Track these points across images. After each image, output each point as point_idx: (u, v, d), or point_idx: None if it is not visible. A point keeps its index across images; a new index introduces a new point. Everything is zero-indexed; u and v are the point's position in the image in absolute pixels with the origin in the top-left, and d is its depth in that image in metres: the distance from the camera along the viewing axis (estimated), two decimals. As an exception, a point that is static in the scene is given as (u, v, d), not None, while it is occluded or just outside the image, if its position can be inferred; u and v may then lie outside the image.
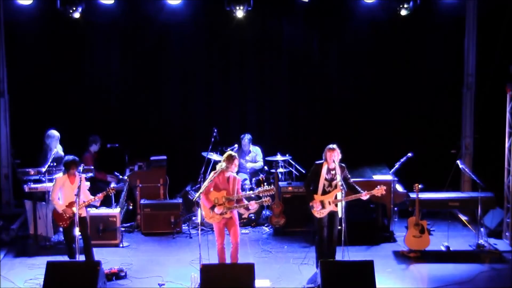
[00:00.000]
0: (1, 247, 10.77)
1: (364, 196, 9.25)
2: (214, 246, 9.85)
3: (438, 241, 10.87)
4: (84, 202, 9.41)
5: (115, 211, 11.16)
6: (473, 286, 9.34)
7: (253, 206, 9.12)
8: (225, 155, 9.17)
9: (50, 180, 10.65)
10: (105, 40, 12.83)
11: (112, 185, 10.44)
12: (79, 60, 12.81)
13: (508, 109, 11.07)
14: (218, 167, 9.15)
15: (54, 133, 11.42)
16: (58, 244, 10.86)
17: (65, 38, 12.61)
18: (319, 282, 8.59)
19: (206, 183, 9.10)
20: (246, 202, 9.15)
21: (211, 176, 9.13)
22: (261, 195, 9.22)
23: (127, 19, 12.67)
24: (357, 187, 9.42)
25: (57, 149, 11.25)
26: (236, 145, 12.36)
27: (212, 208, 9.08)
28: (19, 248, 10.83)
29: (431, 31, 12.79)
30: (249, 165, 12.37)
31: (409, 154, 11.26)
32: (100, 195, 9.54)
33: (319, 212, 9.31)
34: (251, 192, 9.61)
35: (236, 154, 9.24)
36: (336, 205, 9.29)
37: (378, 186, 9.26)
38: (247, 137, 12.36)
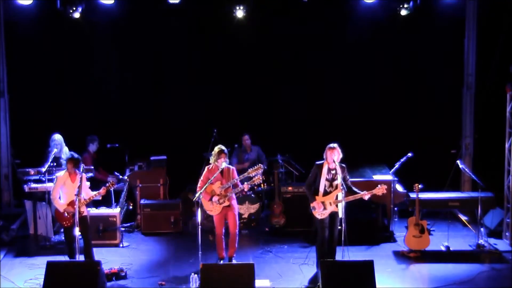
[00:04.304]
0: (1, 247, 10.77)
1: (366, 196, 9.26)
2: (214, 246, 9.90)
3: (438, 241, 10.86)
4: (85, 200, 9.40)
5: (115, 211, 11.17)
6: (473, 286, 9.34)
7: (246, 187, 9.71)
8: (215, 150, 9.71)
9: (50, 180, 10.66)
10: (105, 40, 12.83)
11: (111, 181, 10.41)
12: (79, 60, 12.81)
13: (508, 109, 11.07)
14: (211, 161, 9.77)
15: (58, 137, 11.40)
16: (58, 244, 10.86)
17: (65, 38, 12.62)
18: (319, 282, 8.59)
19: (199, 182, 9.72)
20: (240, 184, 9.67)
21: (204, 173, 9.76)
22: (251, 175, 9.66)
23: (127, 19, 12.67)
24: (354, 188, 9.42)
25: (65, 151, 11.28)
26: (236, 145, 12.36)
27: (211, 199, 9.59)
28: (19, 248, 10.84)
29: (431, 31, 12.79)
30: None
31: (409, 154, 11.25)
32: (101, 190, 9.53)
33: (320, 213, 9.31)
34: (243, 175, 9.89)
35: (224, 149, 9.72)
36: (337, 206, 9.30)
37: (379, 185, 9.26)
38: (247, 137, 12.35)
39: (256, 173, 9.77)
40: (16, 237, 11.26)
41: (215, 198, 9.62)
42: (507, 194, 11.11)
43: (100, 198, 9.83)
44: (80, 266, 8.91)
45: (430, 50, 12.87)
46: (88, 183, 10.31)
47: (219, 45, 13.08)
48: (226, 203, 9.65)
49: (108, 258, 10.16)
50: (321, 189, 9.32)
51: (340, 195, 9.18)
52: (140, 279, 9.55)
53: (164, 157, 12.29)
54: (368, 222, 11.19)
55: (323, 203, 9.29)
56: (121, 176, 11.99)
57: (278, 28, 13.02)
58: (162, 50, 13.04)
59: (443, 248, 10.66)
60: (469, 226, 11.51)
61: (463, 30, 12.48)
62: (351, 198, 9.28)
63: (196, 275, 9.06)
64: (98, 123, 12.75)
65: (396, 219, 11.53)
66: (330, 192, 9.33)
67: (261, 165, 9.84)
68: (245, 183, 9.81)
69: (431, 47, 12.86)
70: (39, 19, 12.37)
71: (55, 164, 10.90)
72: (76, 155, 9.72)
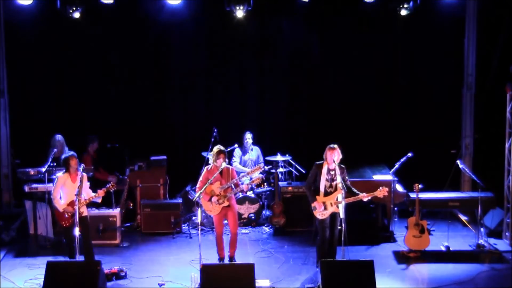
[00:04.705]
0: (1, 247, 10.77)
1: (365, 198, 9.25)
2: (214, 246, 9.90)
3: (438, 241, 10.86)
4: (85, 200, 9.40)
5: (115, 211, 11.16)
6: (473, 286, 9.34)
7: (246, 187, 9.91)
8: (214, 150, 9.71)
9: (50, 180, 10.66)
10: (105, 40, 12.83)
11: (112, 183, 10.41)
12: (79, 60, 12.81)
13: (508, 109, 11.07)
14: (210, 161, 9.80)
15: (60, 137, 11.40)
16: (58, 244, 10.86)
17: (65, 38, 12.62)
18: (319, 282, 8.59)
19: (198, 183, 9.71)
20: (241, 184, 9.77)
21: (203, 174, 9.74)
22: (251, 176, 9.91)
23: (127, 19, 12.68)
24: (353, 189, 9.42)
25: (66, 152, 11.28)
26: (236, 145, 12.36)
27: (210, 199, 9.58)
28: (19, 248, 10.84)
29: (431, 31, 12.79)
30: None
31: (409, 154, 11.25)
32: (101, 191, 9.53)
33: (321, 213, 9.30)
34: (242, 174, 10.04)
35: (223, 149, 9.72)
36: (338, 206, 9.29)
37: (380, 188, 9.25)
38: (249, 135, 12.33)
39: (256, 174, 9.82)
40: (16, 237, 11.26)
41: (214, 199, 9.62)
42: (507, 194, 11.11)
43: (100, 200, 9.84)
44: (80, 266, 8.90)
45: (430, 50, 12.87)
46: (88, 183, 10.32)
47: (219, 44, 13.07)
48: (226, 203, 9.65)
49: (108, 258, 10.16)
50: (322, 190, 9.31)
51: (340, 196, 9.18)
52: (140, 279, 9.55)
53: (164, 157, 12.29)
54: (368, 222, 11.18)
55: (324, 203, 9.29)
56: (121, 176, 11.98)
57: (278, 28, 13.02)
58: (162, 49, 13.03)
59: (443, 248, 10.66)
60: (469, 226, 11.51)
61: (463, 30, 12.48)
62: (351, 199, 9.28)
63: (196, 275, 9.06)
64: (98, 123, 12.74)
65: (396, 219, 11.52)
66: (331, 192, 9.32)
67: (261, 165, 9.88)
68: (245, 183, 9.81)
69: (431, 47, 12.85)
70: (39, 19, 12.38)
71: (55, 164, 10.90)
72: (73, 153, 9.72)
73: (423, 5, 12.09)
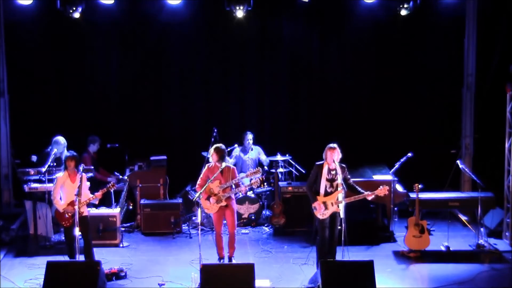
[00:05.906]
0: (1, 247, 10.77)
1: (370, 196, 9.24)
2: (214, 246, 9.90)
3: (438, 241, 10.86)
4: (85, 200, 9.39)
5: (115, 211, 11.16)
6: (473, 286, 9.34)
7: (244, 189, 9.88)
8: (211, 149, 9.81)
9: (50, 180, 10.66)
10: (105, 40, 12.83)
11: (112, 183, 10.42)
12: (79, 60, 12.81)
13: (508, 109, 11.07)
14: (211, 159, 9.87)
15: (61, 139, 11.40)
16: (58, 244, 10.86)
17: (65, 38, 12.62)
18: (319, 282, 8.59)
19: (199, 180, 9.76)
20: (241, 185, 9.79)
21: (203, 171, 9.78)
22: (251, 178, 9.96)
23: (127, 19, 12.68)
24: (357, 187, 9.42)
25: (65, 154, 11.27)
26: (236, 145, 12.36)
27: (208, 198, 9.57)
28: (19, 248, 10.83)
29: (431, 31, 12.80)
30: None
31: (409, 154, 11.26)
32: (99, 193, 9.54)
33: (322, 213, 9.30)
34: (243, 175, 10.12)
35: (218, 146, 9.75)
36: (338, 206, 9.29)
37: (381, 186, 9.24)
38: (250, 136, 12.32)
39: (255, 176, 9.80)
40: (16, 237, 11.26)
41: (212, 200, 9.60)
42: (507, 194, 11.11)
43: (97, 202, 9.81)
44: (80, 266, 8.91)
45: (430, 50, 12.87)
46: (88, 183, 10.33)
47: (219, 44, 13.07)
48: (224, 203, 9.64)
49: (108, 258, 10.16)
50: (322, 190, 9.29)
51: (341, 196, 9.18)
52: (140, 279, 9.55)
53: (164, 157, 12.28)
54: (368, 222, 11.18)
55: (324, 203, 9.28)
56: (121, 176, 11.99)
57: (278, 28, 13.03)
58: (162, 49, 13.03)
59: (443, 248, 10.66)
60: (469, 226, 11.51)
61: (463, 30, 12.48)
62: (351, 199, 9.28)
63: (196, 275, 9.06)
64: (98, 123, 12.73)
65: (396, 219, 11.52)
66: (331, 192, 9.31)
67: (260, 169, 9.89)
68: (244, 185, 9.86)
69: (431, 47, 12.86)
70: (39, 19, 12.39)
71: (55, 164, 10.90)
72: (73, 153, 9.73)
73: (423, 5, 12.10)
